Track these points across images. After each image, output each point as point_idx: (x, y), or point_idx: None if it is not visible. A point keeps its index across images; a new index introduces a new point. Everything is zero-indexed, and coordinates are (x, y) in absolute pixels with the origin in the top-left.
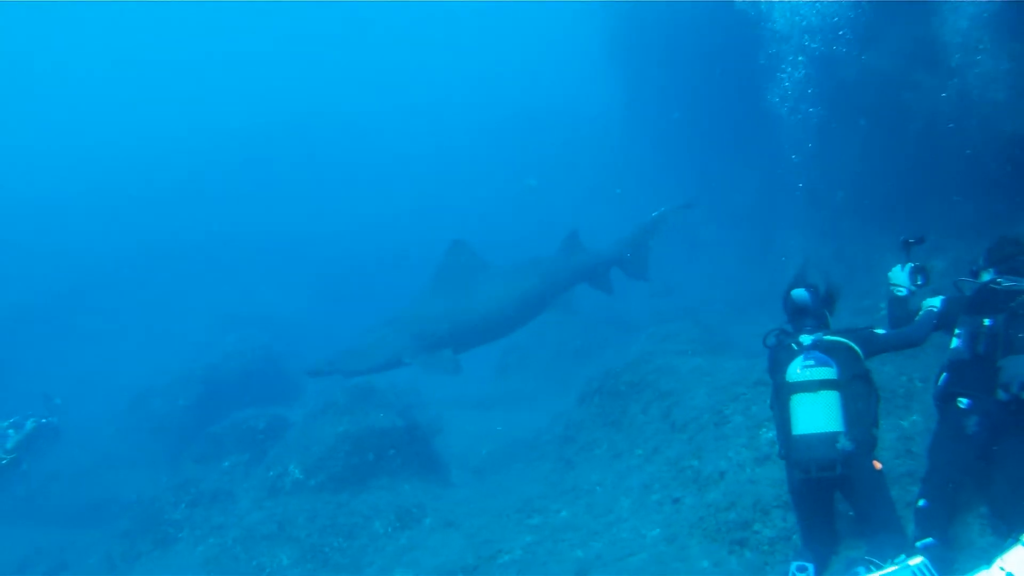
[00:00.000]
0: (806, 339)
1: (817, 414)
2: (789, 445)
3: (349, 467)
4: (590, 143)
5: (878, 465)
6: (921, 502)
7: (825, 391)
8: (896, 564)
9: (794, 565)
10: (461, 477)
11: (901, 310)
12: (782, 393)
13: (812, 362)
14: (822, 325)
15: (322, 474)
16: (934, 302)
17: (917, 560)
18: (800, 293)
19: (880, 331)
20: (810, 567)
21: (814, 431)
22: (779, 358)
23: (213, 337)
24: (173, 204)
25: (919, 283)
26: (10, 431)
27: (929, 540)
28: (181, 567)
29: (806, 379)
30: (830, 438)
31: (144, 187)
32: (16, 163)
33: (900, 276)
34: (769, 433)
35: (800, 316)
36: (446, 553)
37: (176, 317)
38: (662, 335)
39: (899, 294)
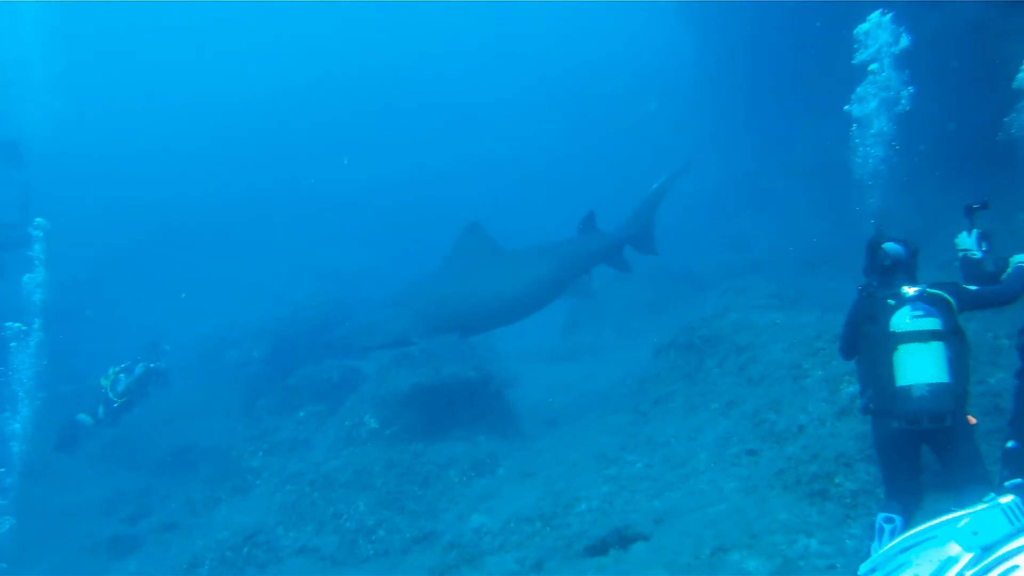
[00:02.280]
0: (906, 292)
1: (928, 364)
2: (892, 396)
3: (424, 418)
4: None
5: (972, 420)
6: (1010, 443)
7: (935, 342)
8: (986, 502)
9: (881, 516)
10: (534, 428)
11: (977, 270)
12: (885, 344)
13: (921, 312)
14: (912, 279)
15: (397, 424)
16: (1023, 258)
17: (1008, 499)
18: (894, 247)
19: (972, 287)
20: (898, 519)
21: (925, 381)
22: (873, 310)
23: (286, 290)
24: (246, 160)
25: (984, 249)
26: (121, 376)
27: (1019, 480)
28: (260, 512)
29: (916, 329)
30: (941, 389)
31: (218, 144)
32: (101, 124)
33: (968, 241)
34: (850, 388)
35: (892, 270)
36: (523, 501)
37: (249, 270)
38: (737, 289)
39: (973, 256)
